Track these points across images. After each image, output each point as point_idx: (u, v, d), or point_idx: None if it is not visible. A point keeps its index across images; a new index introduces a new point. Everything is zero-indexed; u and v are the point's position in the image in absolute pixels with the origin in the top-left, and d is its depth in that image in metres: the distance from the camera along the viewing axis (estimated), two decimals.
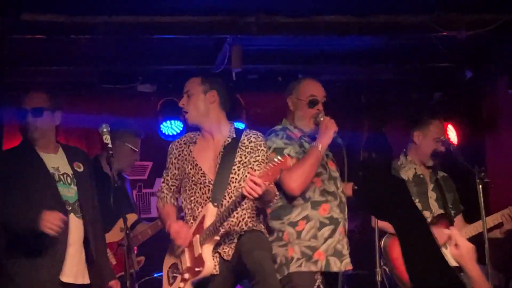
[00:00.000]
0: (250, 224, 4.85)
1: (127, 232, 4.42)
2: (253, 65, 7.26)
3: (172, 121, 7.71)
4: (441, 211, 5.82)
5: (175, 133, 7.74)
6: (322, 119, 5.08)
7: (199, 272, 4.73)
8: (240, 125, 7.88)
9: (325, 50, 7.17)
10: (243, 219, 4.84)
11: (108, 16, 5.94)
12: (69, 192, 4.91)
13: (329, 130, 4.99)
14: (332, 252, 5.02)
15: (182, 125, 7.70)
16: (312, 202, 5.03)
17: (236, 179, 4.84)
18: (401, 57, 7.31)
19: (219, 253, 4.81)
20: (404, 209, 2.26)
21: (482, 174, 5.33)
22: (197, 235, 4.78)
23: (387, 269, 5.69)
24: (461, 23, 6.28)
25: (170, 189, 5.05)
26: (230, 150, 4.90)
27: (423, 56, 7.30)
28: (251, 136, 4.99)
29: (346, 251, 5.09)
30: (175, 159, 5.01)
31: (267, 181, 4.42)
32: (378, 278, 5.08)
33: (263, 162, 4.85)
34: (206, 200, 4.84)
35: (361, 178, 4.24)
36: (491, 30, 6.17)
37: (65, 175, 4.94)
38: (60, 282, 4.74)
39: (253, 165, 4.85)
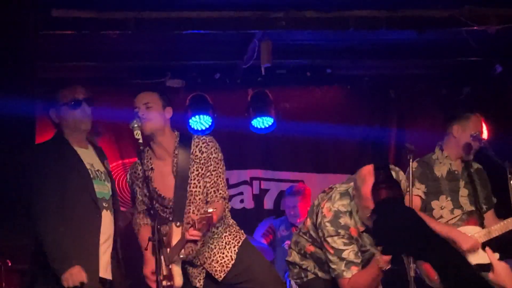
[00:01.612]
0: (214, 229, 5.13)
1: (158, 227, 4.44)
2: (282, 59, 7.25)
3: (201, 116, 7.73)
4: (472, 208, 5.78)
5: (203, 128, 7.76)
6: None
7: (171, 286, 4.95)
8: (269, 120, 7.93)
9: (354, 44, 7.15)
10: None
11: (138, 12, 5.95)
12: (104, 189, 4.87)
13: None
14: None
15: (211, 120, 7.73)
16: None
17: (198, 191, 5.04)
18: (431, 52, 7.26)
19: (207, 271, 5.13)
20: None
21: None
22: (168, 249, 4.97)
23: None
24: (492, 17, 6.23)
25: (141, 211, 5.24)
26: (183, 164, 5.04)
27: (452, 51, 7.25)
28: (201, 146, 5.07)
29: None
30: (136, 186, 5.20)
31: (203, 228, 4.74)
32: (412, 273, 5.05)
33: (214, 171, 5.05)
34: (169, 219, 5.10)
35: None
36: None
37: (99, 172, 4.90)
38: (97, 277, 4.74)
39: (207, 181, 5.05)
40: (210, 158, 5.04)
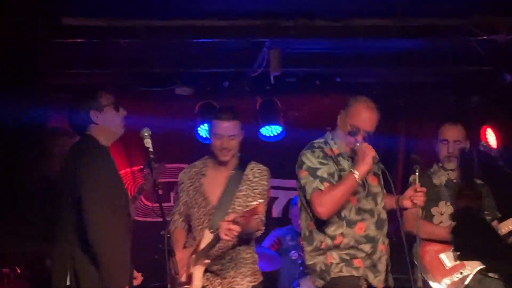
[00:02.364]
0: (248, 251, 5.29)
1: (168, 235, 4.44)
2: (291, 68, 7.25)
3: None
4: None
5: None
6: (358, 146, 4.92)
7: None
8: (277, 128, 7.93)
9: (363, 52, 7.15)
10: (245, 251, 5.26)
11: (148, 20, 5.98)
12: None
13: (367, 157, 4.84)
14: (369, 265, 4.99)
15: None
16: (347, 221, 4.97)
17: (239, 210, 5.09)
18: (440, 60, 7.26)
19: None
20: None
21: None
22: (194, 255, 5.14)
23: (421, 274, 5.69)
24: (501, 27, 6.24)
25: (181, 214, 5.39)
26: (234, 181, 5.22)
27: (462, 59, 7.23)
28: (255, 171, 5.30)
29: (382, 268, 5.04)
30: (186, 188, 5.33)
31: (244, 221, 4.76)
32: (420, 284, 5.06)
33: (259, 194, 5.17)
34: (205, 226, 5.22)
35: None
36: None
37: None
38: None
39: (251, 200, 5.10)
40: (260, 184, 5.24)
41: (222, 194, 5.21)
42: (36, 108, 4.21)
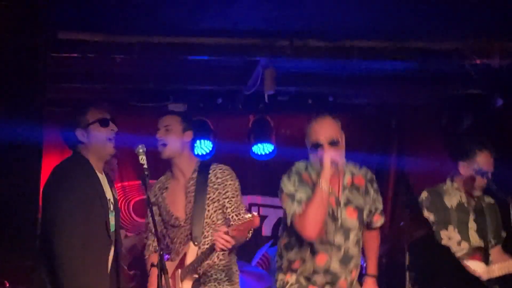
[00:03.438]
0: (221, 257, 5.21)
1: (161, 252, 4.41)
2: (284, 86, 7.26)
3: (202, 141, 7.75)
4: (479, 244, 5.77)
5: (204, 153, 7.78)
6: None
7: None
8: (269, 147, 7.94)
9: (357, 73, 7.17)
10: (217, 256, 5.19)
11: (144, 36, 5.98)
12: (111, 220, 4.76)
13: (325, 161, 4.79)
14: None
15: (211, 145, 7.74)
16: (310, 249, 4.93)
17: (207, 215, 5.15)
18: (433, 82, 7.30)
19: None
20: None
21: None
22: (179, 270, 5.11)
23: None
24: (495, 51, 6.27)
25: (154, 234, 5.21)
26: (201, 188, 5.17)
27: (455, 82, 7.28)
28: (217, 172, 5.23)
29: None
30: (153, 206, 5.18)
31: (238, 235, 4.76)
32: None
33: (233, 197, 5.17)
34: (184, 238, 5.18)
35: None
36: None
37: (110, 201, 4.80)
38: None
39: (224, 202, 5.15)
40: (226, 185, 5.19)
41: (194, 204, 5.15)
42: (32, 124, 4.19)
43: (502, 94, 7.35)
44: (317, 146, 4.89)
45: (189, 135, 5.29)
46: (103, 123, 4.76)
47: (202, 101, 7.63)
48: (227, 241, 4.77)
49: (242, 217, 4.84)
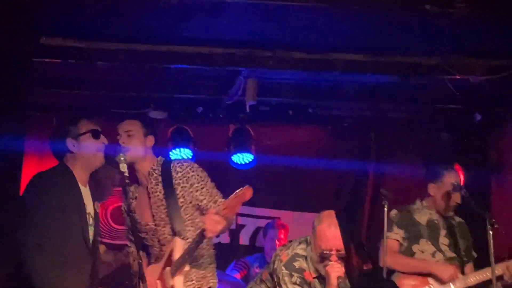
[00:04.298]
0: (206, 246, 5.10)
1: (140, 261, 4.41)
2: (265, 97, 7.28)
3: (181, 149, 7.73)
4: (453, 255, 5.85)
5: None
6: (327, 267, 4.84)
7: None
8: (249, 156, 7.95)
9: (337, 86, 7.22)
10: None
11: (127, 44, 5.98)
12: (90, 234, 4.76)
13: (332, 280, 4.75)
14: None
15: (191, 153, 7.73)
16: None
17: (187, 207, 5.05)
18: (413, 97, 7.36)
19: None
20: None
21: (493, 220, 5.34)
22: (168, 268, 4.95)
23: None
24: (475, 68, 6.34)
25: (133, 242, 5.20)
26: (167, 185, 5.07)
27: (434, 97, 7.35)
28: (176, 167, 5.11)
29: None
30: (127, 214, 5.17)
31: (230, 213, 4.61)
32: None
33: (203, 187, 5.04)
34: (166, 238, 5.08)
35: None
36: (506, 77, 6.21)
37: (89, 215, 4.78)
38: None
39: (195, 195, 5.04)
40: (188, 177, 5.07)
41: (165, 202, 5.07)
42: (14, 131, 4.18)
43: (480, 109, 7.43)
44: (326, 256, 4.86)
45: (151, 140, 5.19)
46: (95, 134, 4.77)
47: (183, 109, 7.61)
48: (217, 222, 4.59)
49: (233, 194, 4.67)
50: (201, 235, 4.74)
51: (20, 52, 5.02)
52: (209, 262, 5.19)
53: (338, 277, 4.74)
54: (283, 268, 4.95)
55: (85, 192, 4.77)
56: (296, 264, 4.96)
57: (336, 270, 4.76)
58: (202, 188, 5.05)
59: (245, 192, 4.60)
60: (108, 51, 5.98)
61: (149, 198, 5.15)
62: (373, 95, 7.36)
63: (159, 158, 5.22)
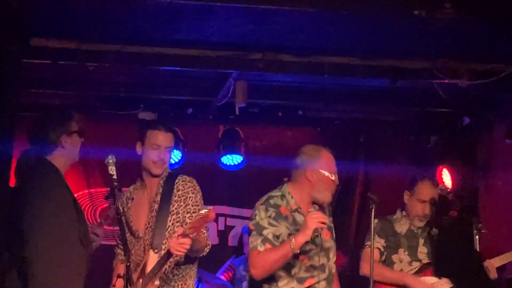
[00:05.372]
0: (182, 266, 5.09)
1: (127, 264, 4.42)
2: (255, 99, 7.30)
3: None
4: (430, 260, 5.88)
5: (172, 162, 7.75)
6: (307, 213, 4.87)
7: None
8: (238, 158, 7.97)
9: (327, 88, 7.25)
10: (177, 263, 5.05)
11: (117, 45, 5.99)
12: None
13: (308, 227, 4.73)
14: None
15: (180, 154, 7.74)
16: (297, 278, 4.94)
17: (169, 226, 5.06)
18: (402, 100, 7.40)
19: None
20: None
21: (480, 224, 5.36)
22: (140, 279, 4.99)
23: None
24: (464, 72, 6.38)
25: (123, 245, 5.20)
26: (165, 199, 5.09)
27: (423, 100, 7.40)
28: (179, 184, 5.13)
29: None
30: (119, 216, 5.08)
31: (194, 232, 4.61)
32: None
33: (194, 212, 5.01)
34: (143, 250, 5.08)
35: None
36: (494, 81, 6.25)
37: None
38: None
39: (184, 217, 5.04)
40: (187, 197, 5.09)
41: (156, 215, 5.08)
42: (3, 132, 4.18)
43: (469, 113, 7.47)
44: (331, 180, 4.99)
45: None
46: (82, 133, 4.81)
47: (173, 111, 7.62)
48: (181, 243, 4.63)
49: (197, 214, 4.71)
50: (167, 254, 4.80)
51: (9, 53, 5.00)
52: (182, 284, 5.17)
53: (315, 229, 4.74)
54: (257, 206, 4.98)
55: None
56: (272, 201, 4.98)
57: (315, 220, 4.74)
58: (194, 212, 5.04)
59: (209, 214, 4.59)
60: (98, 52, 5.99)
61: (150, 206, 5.16)
62: (363, 98, 7.39)
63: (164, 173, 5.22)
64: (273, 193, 5.05)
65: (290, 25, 5.73)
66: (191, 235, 4.60)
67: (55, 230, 4.56)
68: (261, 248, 4.83)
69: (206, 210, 4.61)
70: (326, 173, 4.97)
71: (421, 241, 5.93)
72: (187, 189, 5.11)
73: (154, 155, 5.06)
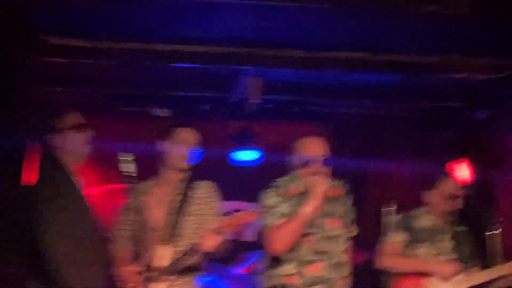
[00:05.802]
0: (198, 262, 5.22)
1: (146, 262, 4.46)
2: (269, 95, 7.32)
3: None
4: (455, 257, 5.87)
5: None
6: (309, 180, 4.96)
7: None
8: (253, 154, 7.99)
9: (339, 83, 7.25)
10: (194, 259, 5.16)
11: (129, 43, 6.03)
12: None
13: (317, 189, 4.86)
14: None
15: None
16: (302, 261, 5.01)
17: (188, 225, 5.22)
18: (412, 95, 7.38)
19: None
20: None
21: (496, 219, 5.34)
22: (152, 273, 5.11)
23: None
24: (476, 66, 6.36)
25: (126, 231, 5.39)
26: (185, 199, 5.28)
27: (434, 95, 7.37)
28: (202, 187, 5.34)
29: None
30: (130, 208, 5.29)
31: (229, 231, 4.80)
32: None
33: (216, 215, 5.20)
34: (157, 243, 5.19)
35: None
36: (505, 76, 6.23)
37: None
38: None
39: (206, 220, 5.19)
40: (210, 201, 5.29)
41: (175, 212, 5.24)
42: (16, 129, 4.24)
43: (480, 108, 7.45)
44: (311, 161, 5.01)
45: None
46: (80, 128, 4.81)
47: (187, 107, 7.66)
48: (213, 240, 4.80)
49: (237, 214, 4.86)
50: (193, 249, 4.93)
51: (20, 51, 5.07)
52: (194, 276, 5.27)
53: (325, 190, 4.84)
54: (264, 190, 5.13)
55: (76, 182, 4.89)
56: (278, 183, 5.14)
57: (322, 184, 4.85)
58: (217, 217, 5.19)
59: (251, 214, 4.80)
60: (110, 50, 6.03)
61: (169, 203, 5.30)
62: (374, 93, 7.38)
63: (188, 173, 5.39)
64: (281, 178, 5.21)
65: (303, 21, 5.75)
66: (224, 233, 4.79)
67: (67, 223, 4.63)
68: (278, 222, 4.91)
69: (247, 211, 4.79)
70: (312, 158, 5.01)
71: (446, 237, 5.93)
72: (212, 193, 5.33)
73: (184, 150, 5.29)
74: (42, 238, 4.54)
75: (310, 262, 5.00)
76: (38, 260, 4.58)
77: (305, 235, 4.94)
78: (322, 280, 5.01)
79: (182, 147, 5.31)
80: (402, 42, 6.09)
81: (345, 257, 5.12)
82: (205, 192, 5.31)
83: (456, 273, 5.74)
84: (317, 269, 5.00)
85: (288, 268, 5.01)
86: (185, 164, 5.31)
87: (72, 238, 4.63)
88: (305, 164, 5.02)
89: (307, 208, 4.82)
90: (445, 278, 5.73)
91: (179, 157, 5.30)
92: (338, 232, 5.11)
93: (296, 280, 5.01)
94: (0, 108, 4.69)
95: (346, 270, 5.13)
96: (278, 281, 5.05)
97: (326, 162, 5.01)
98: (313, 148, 5.09)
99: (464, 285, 5.72)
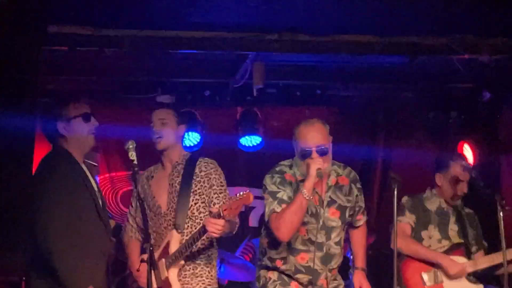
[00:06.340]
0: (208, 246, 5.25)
1: (151, 248, 4.44)
2: (272, 80, 7.28)
3: (190, 133, 7.75)
4: (460, 240, 5.86)
5: (192, 144, 7.78)
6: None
7: None
8: (257, 139, 7.96)
9: (345, 67, 7.20)
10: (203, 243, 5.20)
11: (134, 30, 5.99)
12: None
13: (311, 170, 4.82)
14: None
15: (199, 137, 7.75)
16: (291, 249, 5.01)
17: (192, 206, 5.18)
18: (421, 77, 7.34)
19: None
20: None
21: (504, 201, 5.31)
22: (163, 259, 5.11)
23: None
24: (483, 47, 6.32)
25: (135, 221, 5.39)
26: (186, 180, 5.23)
27: (442, 76, 7.33)
28: (202, 165, 5.28)
29: None
30: (138, 194, 5.14)
31: (230, 214, 4.74)
32: None
33: (221, 193, 5.19)
34: (165, 228, 5.22)
35: None
36: None
37: (98, 193, 4.89)
38: None
39: (211, 197, 5.17)
40: (210, 178, 5.22)
41: (179, 193, 5.21)
42: (25, 116, 4.21)
43: (489, 88, 7.41)
44: (305, 153, 4.95)
45: (182, 128, 5.37)
46: (86, 118, 4.82)
47: (191, 93, 7.61)
48: (215, 223, 4.76)
49: (235, 196, 4.79)
50: (201, 232, 4.90)
51: (29, 40, 5.05)
52: (206, 263, 5.25)
53: (318, 169, 4.81)
54: (266, 175, 5.10)
55: (86, 170, 4.86)
56: (278, 168, 5.11)
57: (316, 163, 4.84)
58: (221, 193, 5.20)
59: (248, 196, 4.71)
60: (115, 37, 6.01)
61: (170, 185, 5.27)
62: (381, 76, 7.34)
63: (185, 153, 5.39)
64: (282, 162, 5.17)
65: (306, 4, 5.71)
66: (226, 217, 4.72)
67: (69, 211, 4.59)
68: (278, 210, 4.90)
69: (244, 193, 4.71)
70: (306, 149, 4.96)
71: (452, 219, 5.92)
72: (210, 170, 5.25)
73: (153, 132, 5.27)
74: (45, 228, 4.51)
75: (298, 251, 5.01)
76: (39, 252, 4.55)
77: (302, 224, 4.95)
78: (306, 270, 5.01)
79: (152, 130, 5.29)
80: (411, 23, 6.05)
81: (337, 249, 5.09)
82: (203, 170, 5.25)
83: (460, 275, 5.73)
84: (303, 259, 5.01)
85: (276, 252, 5.04)
86: (157, 145, 5.26)
87: (76, 229, 4.60)
88: (301, 153, 4.98)
89: (303, 191, 4.81)
90: (449, 276, 5.73)
91: (154, 139, 5.29)
92: (334, 223, 5.07)
93: (280, 264, 5.04)
94: (8, 96, 4.65)
95: (335, 262, 5.10)
96: (265, 261, 5.10)
97: (321, 151, 4.94)
98: (309, 137, 4.98)
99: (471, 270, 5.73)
